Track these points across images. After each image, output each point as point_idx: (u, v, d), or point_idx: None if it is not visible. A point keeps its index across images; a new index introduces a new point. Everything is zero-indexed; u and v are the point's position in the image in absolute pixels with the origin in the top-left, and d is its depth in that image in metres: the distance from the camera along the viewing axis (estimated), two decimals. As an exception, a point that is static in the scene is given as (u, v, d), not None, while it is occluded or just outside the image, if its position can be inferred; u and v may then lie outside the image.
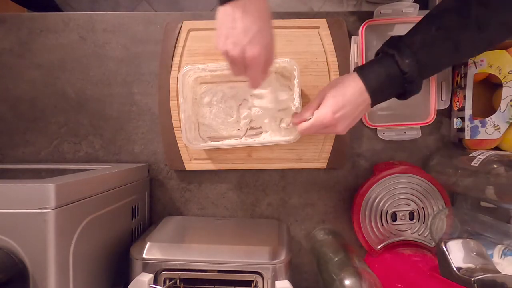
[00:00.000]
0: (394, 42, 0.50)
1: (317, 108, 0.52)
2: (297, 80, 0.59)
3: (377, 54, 0.54)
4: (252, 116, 0.64)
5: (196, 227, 0.61)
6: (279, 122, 0.63)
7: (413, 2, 0.70)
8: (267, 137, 0.63)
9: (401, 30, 0.62)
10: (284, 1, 0.82)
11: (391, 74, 0.49)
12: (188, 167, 0.66)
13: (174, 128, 0.66)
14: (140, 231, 0.63)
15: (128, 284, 0.47)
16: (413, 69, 0.48)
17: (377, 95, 0.51)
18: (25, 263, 0.38)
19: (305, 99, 0.65)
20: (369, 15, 0.66)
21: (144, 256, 0.48)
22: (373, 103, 0.52)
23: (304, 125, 0.53)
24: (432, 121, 0.66)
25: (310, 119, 0.53)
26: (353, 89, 0.50)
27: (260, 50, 0.43)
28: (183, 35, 0.65)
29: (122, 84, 0.68)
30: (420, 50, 0.49)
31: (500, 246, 0.49)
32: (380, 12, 0.65)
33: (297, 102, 0.60)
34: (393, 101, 0.66)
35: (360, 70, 0.51)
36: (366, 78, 0.50)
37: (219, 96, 0.64)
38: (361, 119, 0.67)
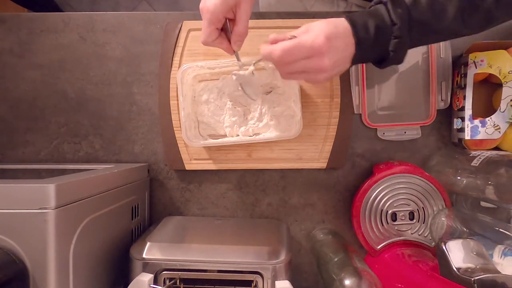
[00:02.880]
0: None
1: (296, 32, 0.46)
2: None
3: (370, 7, 0.49)
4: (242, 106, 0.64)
5: (196, 227, 0.61)
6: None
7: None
8: (266, 134, 0.63)
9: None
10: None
11: (380, 25, 0.46)
12: (188, 167, 0.66)
13: (174, 128, 0.66)
14: (140, 231, 0.63)
15: (128, 284, 0.47)
16: (404, 21, 0.45)
17: (361, 46, 0.46)
18: (25, 263, 0.38)
19: (305, 99, 0.65)
20: (369, 15, 0.66)
21: (144, 256, 0.48)
22: (355, 56, 0.47)
23: (285, 43, 0.44)
24: (432, 121, 0.66)
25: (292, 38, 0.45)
26: (343, 27, 0.46)
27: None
28: (183, 35, 0.65)
29: (122, 84, 0.68)
30: (414, 5, 0.46)
31: (500, 246, 0.49)
32: (380, 12, 0.64)
33: (296, 98, 0.60)
34: (393, 101, 0.66)
35: (349, 16, 0.47)
36: (354, 23, 0.46)
37: (215, 93, 0.64)
38: (361, 119, 0.67)
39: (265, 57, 0.47)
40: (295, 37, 0.45)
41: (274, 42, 0.46)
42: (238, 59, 0.56)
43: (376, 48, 0.48)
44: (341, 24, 0.46)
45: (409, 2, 0.46)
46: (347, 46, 0.46)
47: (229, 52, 0.53)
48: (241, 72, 0.57)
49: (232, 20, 0.50)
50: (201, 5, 0.48)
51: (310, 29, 0.45)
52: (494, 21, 0.48)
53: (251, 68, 0.57)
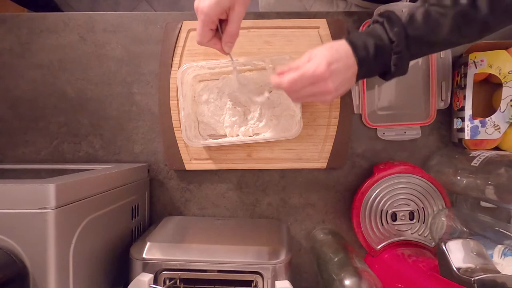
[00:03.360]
0: (385, 12, 0.50)
1: (300, 62, 0.50)
2: None
3: (368, 26, 0.53)
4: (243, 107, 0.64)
5: (196, 227, 0.61)
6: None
7: (410, 1, 0.70)
8: (266, 134, 0.63)
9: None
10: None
11: (379, 43, 0.48)
12: (188, 167, 0.66)
13: (174, 128, 0.66)
14: (140, 231, 0.63)
15: (128, 284, 0.47)
16: (401, 38, 0.47)
17: (363, 65, 0.49)
18: (25, 263, 0.38)
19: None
20: (369, 15, 0.66)
21: (144, 256, 0.48)
22: (359, 74, 0.50)
23: (291, 75, 0.48)
24: (432, 121, 0.66)
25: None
26: (344, 50, 0.49)
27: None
28: (183, 35, 0.66)
29: (122, 84, 0.68)
30: (410, 22, 0.48)
31: (500, 246, 0.49)
32: (380, 12, 0.65)
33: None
34: (393, 101, 0.66)
35: (349, 37, 0.50)
36: (354, 45, 0.49)
37: (215, 93, 0.64)
38: (361, 119, 0.67)
39: (275, 87, 0.52)
40: (298, 68, 0.49)
41: (281, 74, 0.50)
42: (232, 59, 0.57)
43: (378, 65, 0.50)
44: (342, 47, 0.49)
45: (404, 20, 0.48)
46: (349, 67, 0.49)
47: (222, 53, 0.54)
48: (258, 99, 0.61)
49: (225, 21, 0.51)
50: (195, 4, 0.49)
51: (313, 57, 0.49)
52: (490, 30, 0.50)
53: (266, 95, 0.61)
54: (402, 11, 0.64)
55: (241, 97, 0.64)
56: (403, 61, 0.49)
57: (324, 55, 0.48)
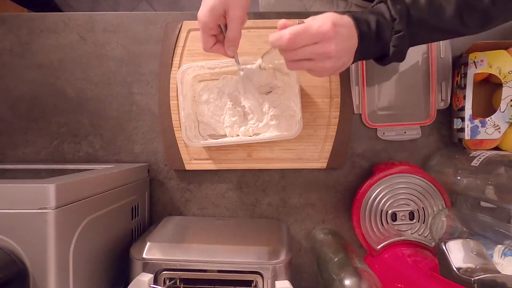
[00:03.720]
0: None
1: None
2: (296, 77, 0.60)
3: (372, 6, 0.51)
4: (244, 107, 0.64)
5: (196, 227, 0.61)
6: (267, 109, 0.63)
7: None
8: (266, 134, 0.63)
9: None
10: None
11: (381, 20, 0.47)
12: (188, 167, 0.66)
13: (174, 128, 0.66)
14: (140, 231, 0.63)
15: (128, 284, 0.47)
16: (403, 17, 0.47)
17: (364, 39, 0.48)
18: (25, 263, 0.38)
19: (305, 99, 0.65)
20: (369, 15, 0.66)
21: (144, 256, 0.48)
22: (358, 49, 0.48)
23: (293, 28, 0.45)
24: (432, 121, 0.66)
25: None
26: (347, 20, 0.47)
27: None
28: (183, 35, 0.66)
29: (122, 84, 0.68)
30: (413, 3, 0.48)
31: (500, 246, 0.49)
32: (380, 12, 0.65)
33: (296, 98, 0.60)
34: (393, 101, 0.66)
35: (351, 13, 0.49)
36: (357, 19, 0.48)
37: (215, 93, 0.64)
38: (361, 119, 0.67)
39: (273, 43, 0.47)
40: (303, 22, 0.46)
41: (284, 27, 0.46)
42: (237, 62, 0.56)
43: (378, 43, 0.49)
44: (345, 17, 0.48)
45: (408, 1, 0.48)
46: (351, 37, 0.47)
47: (227, 57, 0.55)
48: (248, 66, 0.58)
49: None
50: (198, 13, 0.50)
51: (317, 17, 0.46)
52: (493, 21, 0.49)
53: (259, 61, 0.57)
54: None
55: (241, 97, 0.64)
56: (403, 42, 0.48)
57: (329, 15, 0.46)
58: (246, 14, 0.50)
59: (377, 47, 0.49)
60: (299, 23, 0.45)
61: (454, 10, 0.47)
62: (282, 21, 0.47)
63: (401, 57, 0.50)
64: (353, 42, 0.47)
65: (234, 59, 0.56)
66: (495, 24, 0.50)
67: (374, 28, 0.47)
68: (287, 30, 0.45)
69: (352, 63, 0.50)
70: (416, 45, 0.51)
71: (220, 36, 0.52)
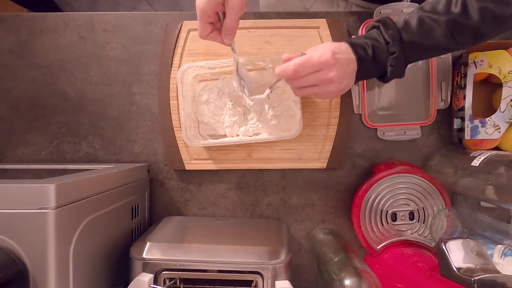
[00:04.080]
0: (381, 18, 0.53)
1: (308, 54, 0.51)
2: None
3: (367, 31, 0.55)
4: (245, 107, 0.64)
5: (196, 227, 0.61)
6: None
7: (411, 2, 0.70)
8: (266, 134, 0.63)
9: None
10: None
11: (376, 44, 0.51)
12: (188, 167, 0.66)
13: (174, 128, 0.66)
14: (140, 231, 0.63)
15: (128, 284, 0.47)
16: (395, 40, 0.50)
17: (362, 63, 0.51)
18: (25, 263, 0.38)
19: (305, 99, 0.65)
20: (369, 15, 0.66)
21: (144, 256, 0.48)
22: (359, 72, 0.52)
23: (296, 60, 0.49)
24: (432, 121, 0.66)
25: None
26: (345, 46, 0.51)
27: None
28: (183, 35, 0.66)
29: (122, 84, 0.68)
30: (404, 27, 0.51)
31: (500, 246, 0.49)
32: (380, 12, 0.65)
33: (296, 98, 0.60)
34: (393, 101, 0.66)
35: (348, 39, 0.53)
36: (353, 45, 0.51)
37: (215, 93, 0.64)
38: (361, 119, 0.67)
39: (279, 74, 0.51)
40: (305, 54, 0.50)
41: (288, 60, 0.50)
42: (234, 51, 0.56)
43: (375, 65, 0.52)
44: (343, 45, 0.51)
45: (399, 25, 0.51)
46: (350, 62, 0.51)
47: (224, 45, 0.54)
48: (257, 97, 0.60)
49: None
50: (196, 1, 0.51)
51: (318, 48, 0.50)
52: (484, 37, 0.52)
53: (267, 92, 0.59)
54: (402, 11, 0.64)
55: (241, 97, 0.64)
56: (399, 62, 0.51)
57: (328, 46, 0.50)
58: (245, 2, 0.50)
59: (375, 68, 0.53)
60: (301, 55, 0.50)
61: (444, 31, 0.50)
62: (285, 55, 0.51)
63: (399, 74, 0.53)
64: (353, 66, 0.51)
65: (235, 56, 0.56)
66: (487, 39, 0.52)
67: (370, 52, 0.51)
68: (291, 62, 0.49)
69: (354, 83, 0.54)
70: (414, 62, 0.55)
71: (217, 24, 0.52)
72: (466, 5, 0.48)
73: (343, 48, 0.50)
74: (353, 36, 0.56)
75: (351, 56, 0.50)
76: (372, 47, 0.51)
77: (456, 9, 0.48)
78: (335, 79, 0.49)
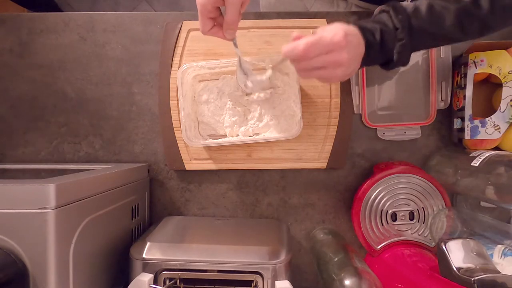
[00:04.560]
0: (392, 2, 0.52)
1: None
2: (296, 77, 0.60)
3: (374, 15, 0.54)
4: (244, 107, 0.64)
5: (196, 227, 0.61)
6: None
7: (412, 2, 0.70)
8: (266, 134, 0.63)
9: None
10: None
11: (384, 29, 0.50)
12: (188, 167, 0.66)
13: (174, 128, 0.66)
14: (140, 231, 0.63)
15: (128, 284, 0.47)
16: (405, 26, 0.49)
17: (370, 47, 0.50)
18: (25, 263, 0.38)
19: (305, 99, 0.65)
20: (368, 15, 0.66)
21: (144, 256, 0.48)
22: (365, 57, 0.50)
23: (308, 39, 0.46)
24: (432, 121, 0.66)
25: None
26: (354, 29, 0.49)
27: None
28: (183, 35, 0.65)
29: (122, 84, 0.68)
30: (414, 13, 0.50)
31: (500, 246, 0.49)
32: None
33: (296, 98, 0.60)
34: (393, 101, 0.66)
35: (357, 23, 0.51)
36: (362, 28, 0.50)
37: (215, 93, 0.64)
38: (361, 119, 0.67)
39: (287, 53, 0.48)
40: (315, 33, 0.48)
41: (297, 38, 0.48)
42: (236, 46, 0.55)
43: (382, 50, 0.51)
44: (353, 27, 0.50)
45: (409, 10, 0.50)
46: (359, 45, 0.49)
47: (225, 40, 0.53)
48: (258, 78, 0.58)
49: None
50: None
51: (329, 27, 0.48)
52: (491, 29, 0.51)
53: (269, 73, 0.57)
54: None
55: (241, 97, 0.64)
56: (406, 49, 0.50)
57: (339, 26, 0.47)
58: None
59: (382, 54, 0.51)
60: (313, 34, 0.47)
61: (453, 19, 0.49)
62: (295, 32, 0.49)
63: (404, 63, 0.52)
64: (361, 50, 0.49)
65: (235, 56, 0.55)
66: (494, 31, 0.52)
67: (378, 37, 0.50)
68: (302, 40, 0.46)
69: (359, 69, 0.52)
70: (419, 50, 0.54)
71: (219, 19, 0.51)
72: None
73: (354, 30, 0.49)
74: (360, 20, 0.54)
75: (360, 39, 0.49)
76: (380, 32, 0.50)
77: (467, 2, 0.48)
78: (345, 61, 0.47)
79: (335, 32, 0.46)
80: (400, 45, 0.50)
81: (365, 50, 0.49)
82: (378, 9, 0.54)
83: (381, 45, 0.50)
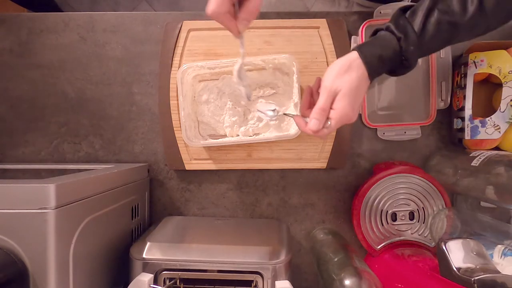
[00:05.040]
0: (400, 25, 0.49)
1: (326, 105, 0.49)
2: (296, 76, 0.60)
3: (375, 31, 0.52)
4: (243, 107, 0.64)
5: (196, 227, 0.61)
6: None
7: (411, 2, 0.70)
8: (266, 134, 0.63)
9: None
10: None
11: (393, 57, 0.49)
12: (188, 167, 0.66)
13: (174, 128, 0.66)
14: (140, 231, 0.63)
15: (128, 284, 0.47)
16: (414, 56, 0.49)
17: (374, 74, 0.50)
18: (25, 263, 0.38)
19: (305, 99, 0.64)
20: (369, 15, 0.66)
21: (144, 256, 0.48)
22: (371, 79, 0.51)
23: (326, 131, 0.49)
24: (432, 121, 0.66)
25: (328, 124, 0.49)
26: (359, 79, 0.48)
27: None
28: (183, 35, 0.65)
29: (122, 84, 0.68)
30: (422, 35, 0.48)
31: (500, 246, 0.49)
32: (380, 12, 0.65)
33: (296, 98, 0.60)
34: (393, 101, 0.66)
35: (360, 49, 0.49)
36: (368, 62, 0.48)
37: (215, 93, 0.64)
38: (361, 120, 0.67)
39: (304, 131, 0.51)
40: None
41: (309, 93, 0.53)
42: (242, 46, 0.51)
43: (389, 67, 0.51)
44: (356, 75, 0.48)
45: (417, 30, 0.48)
46: (365, 87, 0.50)
47: (234, 33, 0.48)
48: (262, 116, 0.59)
49: (243, 1, 0.46)
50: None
51: (337, 102, 0.48)
52: (490, 30, 0.50)
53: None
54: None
55: (241, 97, 0.64)
56: (412, 63, 0.50)
57: (348, 101, 0.48)
58: None
59: (389, 68, 0.51)
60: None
61: (461, 33, 0.48)
62: (306, 92, 0.52)
63: (413, 66, 0.51)
64: (366, 86, 0.50)
65: (238, 53, 0.52)
66: (491, 31, 0.50)
67: (387, 65, 0.50)
68: (319, 133, 0.49)
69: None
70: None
71: (232, 10, 0.46)
72: (481, 1, 0.46)
73: (360, 78, 0.48)
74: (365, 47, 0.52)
75: (366, 83, 0.49)
76: (389, 60, 0.49)
77: (472, 6, 0.46)
78: (355, 117, 0.49)
79: (347, 112, 0.48)
80: (407, 63, 0.49)
81: (369, 76, 0.49)
82: (384, 27, 0.51)
83: (387, 65, 0.50)
